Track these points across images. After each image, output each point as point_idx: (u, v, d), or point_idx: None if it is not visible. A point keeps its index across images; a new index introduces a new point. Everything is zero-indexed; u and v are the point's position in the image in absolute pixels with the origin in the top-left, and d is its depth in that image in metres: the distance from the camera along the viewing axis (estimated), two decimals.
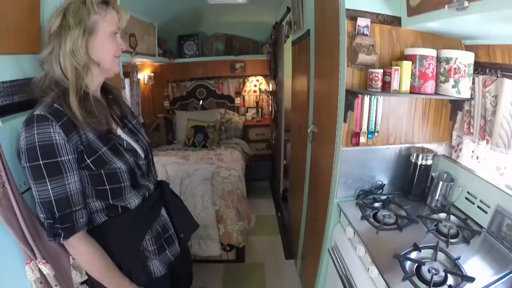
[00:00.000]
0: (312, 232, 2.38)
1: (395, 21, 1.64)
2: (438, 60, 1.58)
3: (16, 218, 1.08)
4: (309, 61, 2.32)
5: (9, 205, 1.07)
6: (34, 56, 1.30)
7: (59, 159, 1.04)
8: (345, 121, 1.70)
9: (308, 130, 2.26)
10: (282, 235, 3.62)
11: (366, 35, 1.60)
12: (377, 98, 1.69)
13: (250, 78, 5.12)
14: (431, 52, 1.56)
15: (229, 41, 5.00)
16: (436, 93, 1.60)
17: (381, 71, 1.59)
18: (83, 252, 1.14)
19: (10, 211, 1.07)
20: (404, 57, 1.62)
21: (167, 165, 3.35)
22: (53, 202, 1.05)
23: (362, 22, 1.59)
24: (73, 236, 1.10)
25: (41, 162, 1.02)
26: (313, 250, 2.27)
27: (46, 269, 1.15)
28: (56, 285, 1.23)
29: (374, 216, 1.67)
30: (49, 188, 1.04)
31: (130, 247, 1.27)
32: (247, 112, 5.20)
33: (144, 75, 4.54)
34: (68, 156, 1.06)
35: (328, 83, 1.85)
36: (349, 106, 1.66)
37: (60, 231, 1.07)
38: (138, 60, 3.55)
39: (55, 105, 1.06)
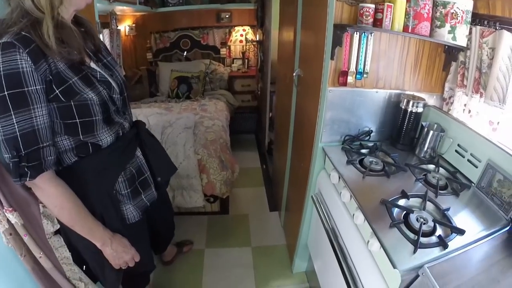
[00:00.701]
0: (296, 181, 2.35)
1: None
2: (435, 3, 1.48)
3: None
4: (296, 8, 2.17)
5: None
6: None
7: (26, 89, 0.96)
8: (332, 58, 1.60)
9: (294, 74, 2.15)
10: (267, 187, 3.61)
11: None
12: (367, 36, 1.59)
13: (237, 28, 4.90)
14: None
15: None
16: (431, 37, 1.51)
17: (373, 6, 1.49)
18: (51, 194, 1.08)
19: None
20: None
21: (149, 116, 3.24)
22: (19, 138, 0.97)
23: None
24: (40, 176, 1.03)
25: (5, 92, 0.93)
26: (297, 199, 2.25)
27: (13, 218, 1.10)
28: (25, 235, 1.17)
29: (361, 162, 1.63)
30: (14, 121, 0.96)
31: (102, 189, 1.21)
32: (232, 63, 5.04)
33: (125, 26, 4.33)
34: (36, 86, 0.98)
35: (316, 19, 1.72)
36: (337, 42, 1.55)
37: (26, 169, 0.99)
38: (117, 9, 3.30)
39: (23, 32, 0.97)
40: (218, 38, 4.95)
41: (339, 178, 1.55)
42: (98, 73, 1.17)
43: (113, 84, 1.23)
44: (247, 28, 4.89)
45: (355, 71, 1.64)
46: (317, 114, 1.72)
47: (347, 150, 1.69)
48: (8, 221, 1.12)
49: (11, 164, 1.00)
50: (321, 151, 1.78)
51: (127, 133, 1.31)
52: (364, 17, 1.49)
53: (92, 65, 1.19)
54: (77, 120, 1.08)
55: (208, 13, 4.87)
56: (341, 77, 1.65)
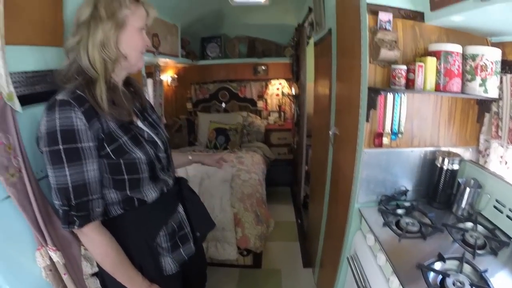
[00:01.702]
0: (331, 239, 2.29)
1: (417, 16, 1.56)
2: (464, 57, 1.48)
3: (30, 204, 1.11)
4: (330, 61, 2.24)
5: (24, 190, 1.09)
6: (57, 48, 1.37)
7: (80, 145, 1.03)
8: (367, 120, 1.61)
9: (330, 132, 2.17)
10: (301, 242, 3.53)
11: (389, 30, 1.52)
12: (400, 97, 1.60)
13: (273, 81, 5.07)
14: (456, 48, 1.47)
15: (252, 43, 4.99)
16: (462, 92, 1.50)
17: (404, 67, 1.51)
18: (96, 242, 1.13)
19: (25, 196, 1.10)
20: (428, 54, 1.53)
21: (188, 166, 3.32)
22: (70, 189, 1.04)
23: (384, 16, 1.51)
24: (87, 225, 1.09)
25: (60, 146, 1.01)
26: (332, 258, 2.18)
27: (56, 257, 1.17)
28: (64, 274, 1.23)
29: (397, 223, 1.57)
30: (67, 174, 1.03)
31: (143, 241, 1.25)
32: (269, 115, 5.16)
33: (167, 77, 4.58)
34: (88, 143, 1.05)
35: (350, 82, 1.77)
36: (371, 105, 1.57)
37: (75, 218, 1.06)
38: (161, 61, 3.55)
39: (78, 91, 1.06)
40: (255, 91, 5.11)
41: (375, 240, 1.50)
42: (145, 133, 1.24)
43: (159, 143, 1.29)
44: (283, 81, 5.04)
45: (390, 131, 1.64)
46: (353, 175, 1.71)
47: (383, 212, 1.64)
48: (50, 258, 1.18)
49: (60, 211, 1.06)
50: (357, 212, 1.74)
51: (171, 190, 1.35)
52: (396, 79, 1.51)
53: (139, 124, 1.26)
54: (125, 177, 1.15)
55: (245, 67, 5.09)
56: (377, 139, 1.64)
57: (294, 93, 4.76)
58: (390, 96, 1.59)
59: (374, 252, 1.52)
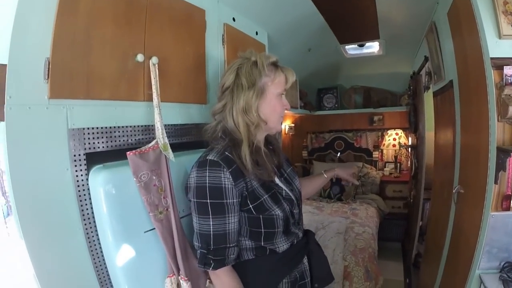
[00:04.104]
0: None
1: None
2: None
3: (172, 238, 1.26)
4: (454, 113, 2.16)
5: (169, 226, 1.26)
6: (200, 105, 1.64)
7: (225, 201, 1.16)
8: (495, 182, 1.52)
9: (454, 191, 2.07)
10: None
11: None
12: None
13: (389, 132, 4.96)
14: None
15: (367, 93, 5.02)
16: None
17: None
18: (225, 283, 1.23)
19: (168, 231, 1.25)
20: None
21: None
22: (211, 236, 1.16)
23: (508, 70, 1.46)
24: (221, 268, 1.20)
25: (208, 200, 1.15)
26: None
27: (186, 286, 1.28)
28: None
29: None
30: (211, 224, 1.16)
31: (267, 286, 1.31)
32: (385, 167, 5.00)
33: (285, 125, 4.81)
34: (233, 199, 1.17)
35: (476, 139, 1.71)
36: (500, 166, 1.49)
37: (211, 261, 1.17)
38: None
39: (226, 153, 1.20)
40: (371, 141, 5.04)
41: None
42: (283, 191, 1.32)
43: (294, 199, 1.35)
44: (399, 131, 4.90)
45: None
46: (477, 239, 1.61)
47: (505, 280, 1.50)
48: (178, 285, 1.31)
49: (198, 252, 1.20)
50: (477, 278, 1.61)
51: (299, 242, 1.38)
52: None
53: (277, 180, 1.34)
54: (262, 230, 1.23)
55: (361, 117, 5.10)
56: (505, 201, 1.54)
57: (411, 144, 4.60)
58: None
59: None
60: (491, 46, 1.49)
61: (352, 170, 1.88)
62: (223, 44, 1.82)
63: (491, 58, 1.50)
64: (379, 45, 3.66)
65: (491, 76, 1.51)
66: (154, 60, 1.28)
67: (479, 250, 1.60)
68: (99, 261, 1.19)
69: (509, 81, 1.47)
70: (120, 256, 1.16)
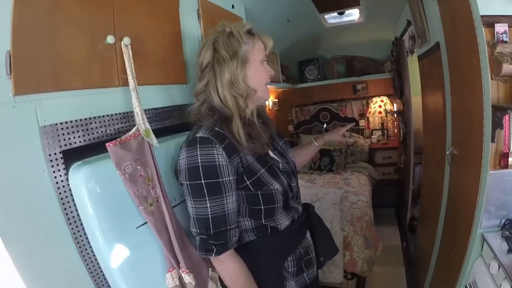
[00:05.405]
0: (445, 266, 2.13)
1: None
2: None
3: (167, 230, 1.18)
4: (442, 76, 2.13)
5: (162, 217, 1.18)
6: (180, 86, 1.53)
7: (221, 179, 1.09)
8: (492, 141, 1.50)
9: (447, 152, 2.06)
10: (407, 267, 3.33)
11: (506, 41, 1.42)
12: None
13: (374, 99, 4.95)
14: None
15: (349, 62, 4.97)
16: None
17: None
18: (230, 268, 1.18)
19: (162, 223, 1.17)
20: None
21: None
22: (210, 220, 1.10)
23: (500, 28, 1.42)
24: (224, 253, 1.14)
25: (203, 181, 1.08)
26: (445, 285, 2.02)
27: (189, 278, 1.22)
28: None
29: None
30: (208, 206, 1.09)
31: (272, 266, 1.27)
32: (372, 134, 5.03)
33: (268, 101, 4.74)
34: (229, 177, 1.11)
35: (469, 99, 1.67)
36: (497, 124, 1.46)
37: (213, 247, 1.11)
38: None
39: (216, 128, 1.13)
40: (356, 110, 5.06)
41: (499, 268, 1.38)
42: (280, 164, 1.27)
43: (291, 172, 1.31)
44: (384, 98, 4.89)
45: None
46: (476, 198, 1.60)
47: (508, 237, 1.50)
48: (180, 279, 1.25)
49: (198, 239, 1.13)
50: (479, 237, 1.61)
51: (300, 217, 1.36)
52: None
53: (271, 154, 1.29)
54: (262, 207, 1.19)
55: (345, 86, 5.07)
56: (503, 159, 1.52)
57: (397, 109, 4.59)
58: None
59: (497, 281, 1.40)
60: (481, 3, 1.44)
61: (341, 131, 1.82)
62: (199, 19, 1.71)
63: (482, 16, 1.45)
64: (359, 12, 3.58)
65: (482, 34, 1.46)
66: (126, 40, 1.16)
67: (480, 209, 1.60)
68: (93, 265, 1.11)
69: (501, 39, 1.43)
70: (114, 257, 1.08)
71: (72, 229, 1.05)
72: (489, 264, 1.47)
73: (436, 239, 2.33)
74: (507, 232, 1.53)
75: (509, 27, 1.44)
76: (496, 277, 1.43)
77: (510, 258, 1.38)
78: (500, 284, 1.34)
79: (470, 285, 1.65)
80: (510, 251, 1.41)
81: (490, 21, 1.44)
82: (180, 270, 1.22)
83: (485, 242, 1.56)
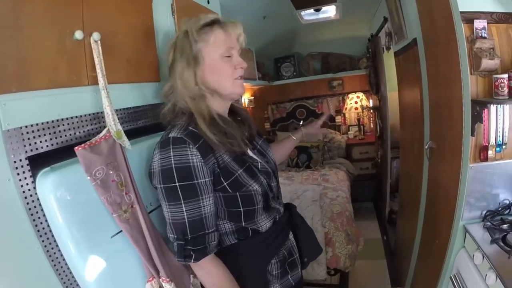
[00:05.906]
0: (427, 257, 2.16)
1: (510, 18, 1.47)
2: None
3: (144, 238, 1.11)
4: (419, 71, 2.16)
5: (137, 224, 1.10)
6: (153, 84, 1.44)
7: (196, 181, 1.04)
8: (472, 134, 1.52)
9: (426, 146, 2.08)
10: (388, 260, 3.36)
11: (485, 37, 1.45)
12: (503, 107, 1.50)
13: (350, 95, 5.00)
14: None
15: (325, 58, 5.01)
16: None
17: (506, 75, 1.40)
18: (211, 273, 1.13)
19: (138, 231, 1.10)
20: None
21: None
22: (187, 224, 1.05)
23: (479, 24, 1.44)
24: (203, 259, 1.09)
25: (177, 184, 1.02)
26: (428, 277, 2.04)
27: (170, 287, 1.16)
28: None
29: (503, 240, 1.44)
30: (184, 210, 1.04)
31: (255, 269, 1.23)
32: (348, 130, 5.07)
33: (244, 99, 4.73)
34: (204, 178, 1.06)
35: (448, 94, 1.69)
36: (476, 118, 1.49)
37: (191, 253, 1.06)
38: None
39: (190, 127, 1.08)
40: (333, 106, 5.07)
41: (483, 258, 1.40)
42: (259, 164, 1.22)
43: (271, 171, 1.26)
44: (360, 94, 4.96)
45: (494, 144, 1.53)
46: (457, 191, 1.62)
47: (490, 228, 1.52)
48: None
49: (175, 245, 1.07)
50: (461, 229, 1.64)
51: (281, 217, 1.31)
52: (499, 89, 1.41)
53: (250, 153, 1.23)
54: (241, 209, 1.14)
55: (321, 83, 5.09)
56: (482, 153, 1.55)
57: (373, 105, 4.64)
58: (493, 107, 1.50)
59: (482, 272, 1.42)
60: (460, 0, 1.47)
61: (317, 123, 1.81)
62: (173, 15, 1.64)
63: (461, 12, 1.47)
64: (335, 9, 3.60)
65: (462, 30, 1.48)
66: (96, 36, 1.08)
67: (461, 201, 1.62)
68: (68, 279, 1.02)
69: (480, 35, 1.46)
70: (89, 268, 1.00)
71: (43, 241, 0.96)
72: (473, 255, 1.48)
73: (417, 231, 2.36)
74: (489, 223, 1.55)
75: (488, 23, 1.46)
76: (481, 268, 1.45)
77: (494, 248, 1.40)
78: (486, 275, 1.35)
79: (455, 276, 1.66)
80: (493, 242, 1.43)
81: (469, 17, 1.46)
82: (160, 279, 1.16)
83: (467, 234, 1.58)
